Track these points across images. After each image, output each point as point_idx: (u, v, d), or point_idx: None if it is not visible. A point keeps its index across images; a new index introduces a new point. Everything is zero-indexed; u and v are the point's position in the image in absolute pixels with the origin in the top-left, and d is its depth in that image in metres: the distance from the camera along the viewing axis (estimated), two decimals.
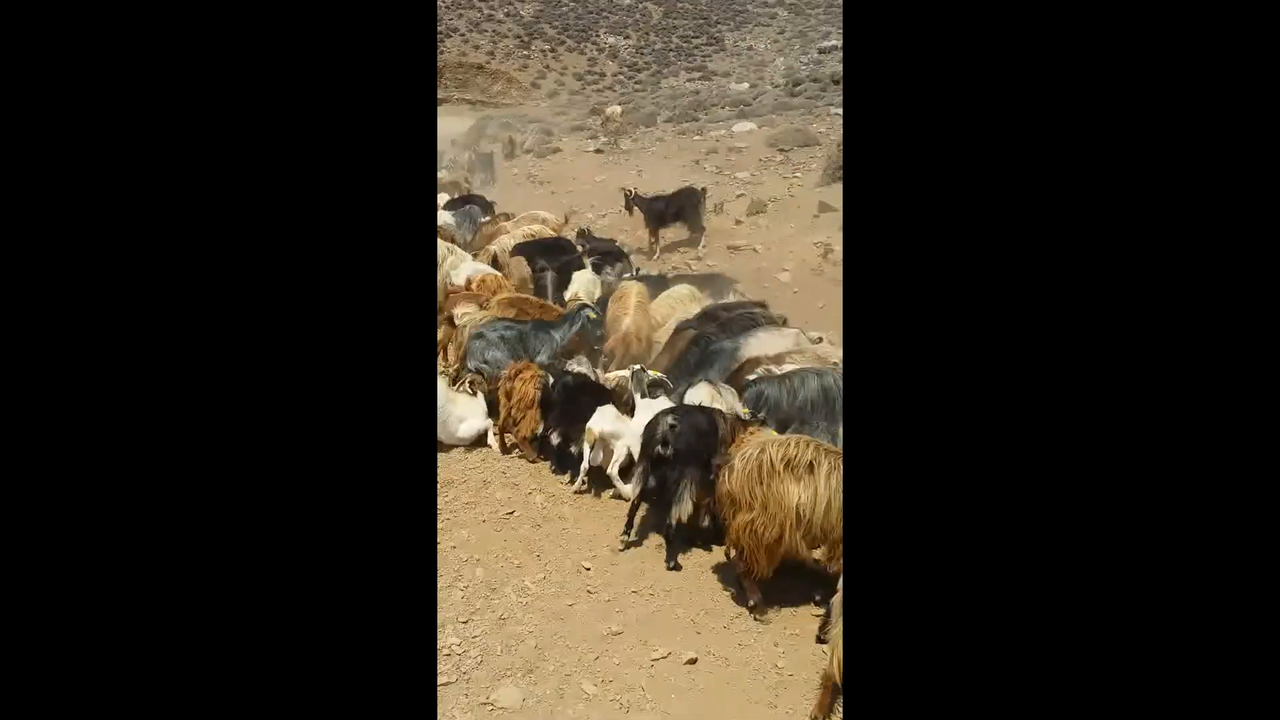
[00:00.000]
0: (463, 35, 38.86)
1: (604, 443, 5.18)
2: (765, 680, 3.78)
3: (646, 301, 7.08)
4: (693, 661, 3.88)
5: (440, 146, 18.47)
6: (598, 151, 16.91)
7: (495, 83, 40.59)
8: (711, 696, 3.68)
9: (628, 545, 4.82)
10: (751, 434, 4.93)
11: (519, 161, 17.38)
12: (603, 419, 5.17)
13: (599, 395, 5.51)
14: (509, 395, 5.72)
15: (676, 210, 10.16)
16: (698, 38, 45.61)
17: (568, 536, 4.85)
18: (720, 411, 5.07)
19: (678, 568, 4.64)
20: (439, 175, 14.05)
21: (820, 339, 6.26)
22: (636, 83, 40.75)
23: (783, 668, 3.84)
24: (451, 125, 21.37)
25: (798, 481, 4.03)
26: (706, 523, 4.86)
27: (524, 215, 9.90)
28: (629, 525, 4.90)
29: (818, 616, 4.11)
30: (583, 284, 7.70)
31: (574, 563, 4.58)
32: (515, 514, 5.04)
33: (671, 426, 4.81)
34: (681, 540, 4.76)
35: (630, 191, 10.53)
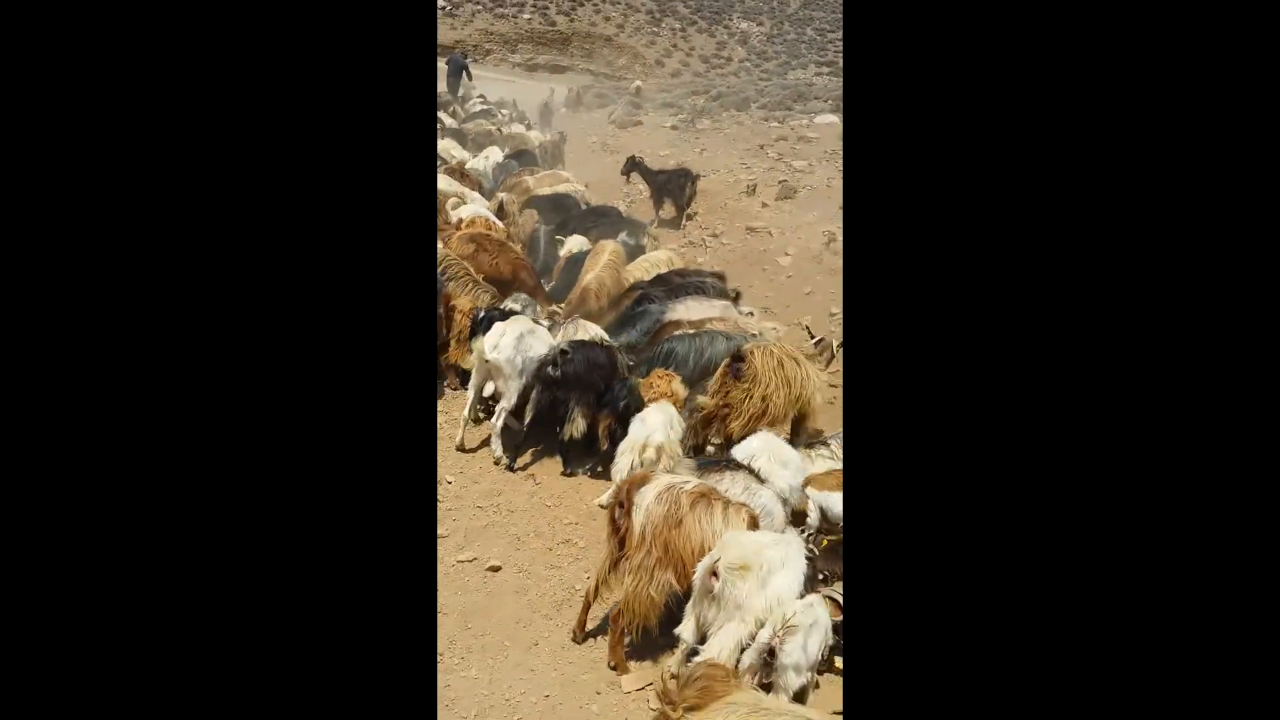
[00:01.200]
0: (595, 5, 39.40)
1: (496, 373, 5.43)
2: (554, 597, 4.06)
3: (619, 261, 7.33)
4: (495, 569, 4.19)
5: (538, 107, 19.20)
6: (673, 128, 17.11)
7: (620, 56, 40.98)
8: (495, 600, 3.99)
9: (505, 465, 5.19)
10: (659, 376, 5.16)
11: (599, 130, 17.77)
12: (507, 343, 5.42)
13: None
14: (448, 327, 6.10)
15: (667, 187, 10.42)
16: (834, 31, 44.72)
17: (445, 454, 5.22)
18: (617, 348, 5.46)
19: (573, 474, 5.17)
20: (515, 130, 14.64)
21: (751, 313, 6.38)
22: (763, 71, 40.43)
23: (578, 590, 4.10)
24: (555, 91, 21.97)
25: (799, 366, 5.01)
26: (605, 446, 5.15)
27: (546, 174, 10.27)
28: (509, 454, 5.25)
29: None
30: (576, 243, 8.03)
31: (438, 477, 4.94)
32: None
33: (562, 351, 5.14)
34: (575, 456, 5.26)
35: (635, 157, 10.79)
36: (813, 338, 5.77)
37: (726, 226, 10.32)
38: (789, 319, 7.74)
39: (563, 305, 7.03)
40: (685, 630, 3.54)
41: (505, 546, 4.38)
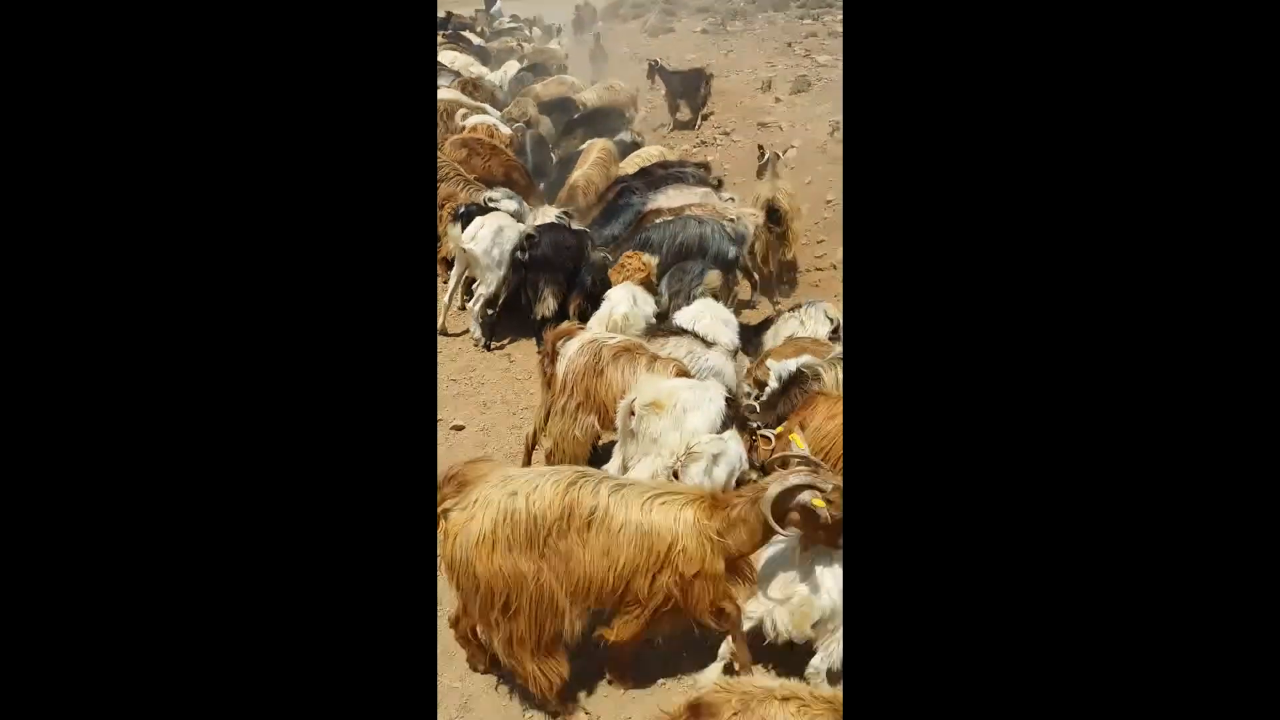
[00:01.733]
0: None
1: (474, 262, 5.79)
2: (510, 449, 4.48)
3: (608, 159, 7.54)
4: (458, 428, 4.62)
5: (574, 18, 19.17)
6: (703, 32, 16.84)
7: None
8: (454, 451, 4.42)
9: (483, 346, 5.59)
10: (628, 256, 5.40)
11: (631, 40, 17.62)
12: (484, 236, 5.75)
13: None
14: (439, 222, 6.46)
15: (683, 88, 10.48)
16: None
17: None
18: (588, 234, 5.73)
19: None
20: (550, 45, 14.80)
21: (731, 199, 6.53)
22: None
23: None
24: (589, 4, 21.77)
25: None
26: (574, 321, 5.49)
27: (552, 80, 10.45)
28: (486, 334, 5.65)
29: None
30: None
31: None
32: None
33: (529, 236, 5.47)
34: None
35: (654, 62, 10.82)
36: (760, 156, 6.77)
37: (738, 124, 10.32)
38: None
39: (555, 203, 7.30)
40: (612, 466, 3.90)
41: (472, 410, 4.80)
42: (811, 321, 5.04)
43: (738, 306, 6.30)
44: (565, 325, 4.15)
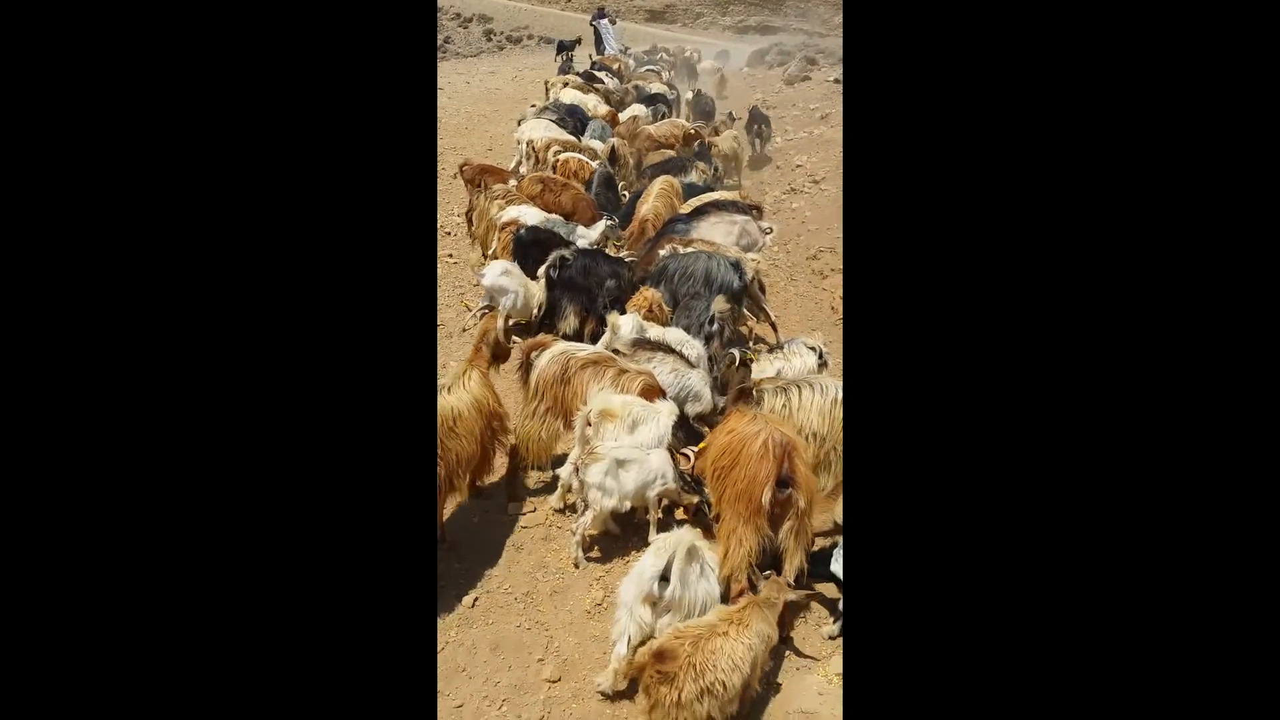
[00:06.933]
0: None
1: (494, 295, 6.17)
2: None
3: (671, 192, 8.07)
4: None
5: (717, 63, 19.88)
6: (835, 81, 17.06)
7: (838, 13, 40.03)
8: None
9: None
10: (641, 292, 5.91)
11: (768, 87, 18.09)
12: (492, 272, 6.12)
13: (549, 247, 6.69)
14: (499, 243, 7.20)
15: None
16: None
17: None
18: (626, 264, 6.26)
19: None
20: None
21: (770, 229, 6.91)
22: None
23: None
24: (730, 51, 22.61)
25: None
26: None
27: (665, 122, 11.15)
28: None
29: None
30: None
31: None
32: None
33: (562, 257, 6.04)
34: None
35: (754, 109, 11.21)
36: None
37: (833, 171, 10.57)
38: None
39: (625, 235, 7.88)
40: (564, 470, 4.39)
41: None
42: (796, 357, 5.26)
43: (754, 337, 6.64)
44: (539, 338, 4.69)
